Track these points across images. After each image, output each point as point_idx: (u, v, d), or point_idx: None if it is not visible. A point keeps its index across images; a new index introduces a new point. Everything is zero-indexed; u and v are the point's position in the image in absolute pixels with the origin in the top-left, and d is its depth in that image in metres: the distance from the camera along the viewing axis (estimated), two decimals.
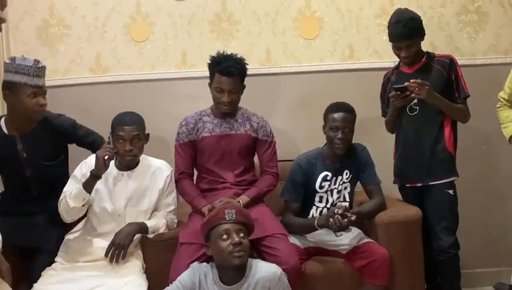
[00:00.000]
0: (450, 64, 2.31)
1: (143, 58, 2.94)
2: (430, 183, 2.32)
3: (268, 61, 2.94)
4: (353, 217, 2.04)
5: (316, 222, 2.17)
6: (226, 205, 2.00)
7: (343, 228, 2.04)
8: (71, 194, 2.05)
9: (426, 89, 2.20)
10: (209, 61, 2.32)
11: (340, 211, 2.04)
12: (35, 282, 1.96)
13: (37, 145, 2.18)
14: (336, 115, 2.25)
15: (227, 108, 2.28)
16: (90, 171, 2.06)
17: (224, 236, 1.77)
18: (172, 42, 2.95)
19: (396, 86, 2.28)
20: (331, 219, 2.04)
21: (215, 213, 1.86)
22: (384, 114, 2.53)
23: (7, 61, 2.10)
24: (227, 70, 2.22)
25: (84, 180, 2.10)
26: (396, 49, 2.34)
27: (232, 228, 1.78)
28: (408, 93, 2.25)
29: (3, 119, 2.17)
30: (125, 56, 2.94)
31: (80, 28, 2.92)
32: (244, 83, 2.36)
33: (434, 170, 2.31)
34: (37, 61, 2.10)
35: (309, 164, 2.31)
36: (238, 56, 2.30)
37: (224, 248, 1.76)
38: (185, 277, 1.83)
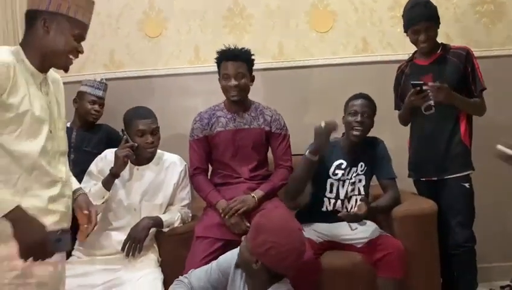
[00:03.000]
0: (466, 56, 2.28)
1: (156, 54, 2.96)
2: (445, 177, 2.30)
3: (281, 55, 2.93)
4: (362, 208, 2.06)
5: (306, 152, 2.11)
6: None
7: (355, 218, 2.06)
8: (90, 192, 2.08)
9: (444, 93, 2.17)
10: (215, 58, 2.33)
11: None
12: None
13: (87, 137, 2.57)
14: (356, 102, 2.27)
15: (235, 93, 2.26)
16: (110, 170, 2.09)
17: None
18: (185, 37, 2.96)
19: (414, 82, 2.23)
20: (341, 213, 2.05)
21: None
22: (397, 107, 2.51)
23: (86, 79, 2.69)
24: (232, 54, 2.26)
25: (99, 176, 2.13)
26: (415, 34, 2.29)
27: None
28: (428, 92, 2.21)
29: (69, 123, 2.57)
30: (139, 52, 2.97)
31: (93, 25, 2.87)
32: (257, 78, 2.36)
33: (449, 164, 2.29)
34: (101, 79, 2.66)
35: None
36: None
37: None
38: (223, 259, 1.83)
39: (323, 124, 2.04)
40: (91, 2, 1.55)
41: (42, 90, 1.50)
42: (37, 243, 1.36)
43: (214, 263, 1.84)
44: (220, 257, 1.86)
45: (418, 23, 2.26)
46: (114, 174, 2.10)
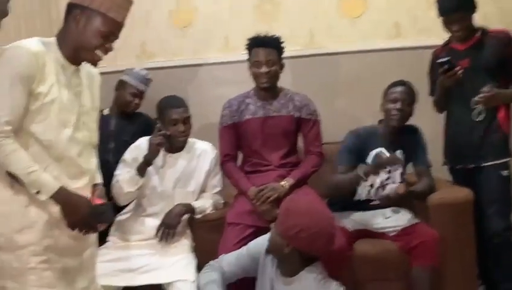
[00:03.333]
0: (506, 40, 2.19)
1: (186, 44, 2.98)
2: (482, 165, 2.23)
3: (312, 42, 2.89)
4: (401, 188, 2.05)
5: (363, 171, 2.10)
6: None
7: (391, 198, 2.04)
8: (125, 179, 2.13)
9: (494, 99, 2.13)
10: (246, 44, 2.33)
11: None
12: None
13: (127, 127, 2.59)
14: (396, 89, 2.23)
15: (265, 80, 2.26)
16: (144, 157, 2.13)
17: None
18: (214, 27, 2.96)
19: (441, 60, 2.17)
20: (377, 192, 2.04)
21: None
22: (431, 93, 2.45)
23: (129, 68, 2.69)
24: (262, 40, 2.26)
25: (134, 164, 2.18)
26: (447, 24, 2.23)
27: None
28: (456, 69, 2.14)
29: (107, 109, 2.64)
30: (169, 42, 2.99)
31: None
32: (287, 66, 2.34)
33: (487, 151, 2.22)
34: (146, 73, 2.64)
35: (366, 135, 2.27)
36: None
37: None
38: (254, 244, 1.87)
39: (387, 154, 2.09)
40: (128, 1, 1.53)
41: (72, 81, 1.51)
42: (84, 218, 1.44)
43: (244, 248, 1.87)
44: (250, 242, 1.89)
45: (450, 14, 2.19)
46: (147, 161, 2.14)
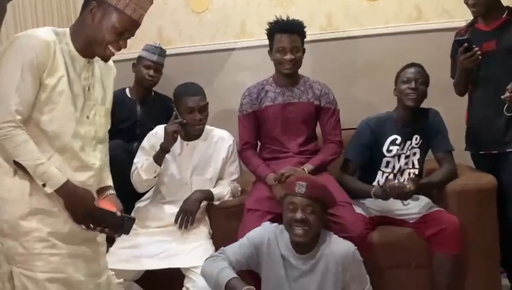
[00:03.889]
0: None
1: (203, 30, 2.97)
2: (506, 151, 2.17)
3: (330, 26, 2.84)
4: (411, 187, 2.01)
5: (372, 191, 2.13)
6: (299, 176, 1.96)
7: (403, 196, 2.01)
8: (143, 167, 2.14)
9: None
10: (267, 28, 2.29)
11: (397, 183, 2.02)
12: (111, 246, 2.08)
13: (151, 110, 2.62)
14: (409, 70, 2.22)
15: (289, 67, 2.24)
16: (160, 145, 2.13)
17: (291, 207, 1.75)
18: (231, 12, 2.93)
19: (459, 38, 2.12)
20: (389, 183, 2.02)
21: (288, 183, 1.85)
22: (453, 75, 2.38)
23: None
24: (287, 26, 2.22)
25: (152, 152, 2.18)
26: None
27: (300, 203, 1.73)
28: (475, 48, 2.07)
29: (128, 88, 2.68)
30: (186, 28, 2.98)
31: None
32: (305, 49, 2.31)
33: (511, 136, 2.15)
34: (157, 44, 2.65)
35: (379, 124, 2.25)
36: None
37: (287, 219, 1.76)
38: (253, 233, 1.86)
39: (396, 183, 2.06)
40: (148, 0, 1.49)
41: (82, 75, 1.50)
42: (86, 213, 1.45)
43: (245, 238, 1.84)
44: (249, 233, 1.86)
45: None
46: (164, 149, 2.14)
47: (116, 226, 1.53)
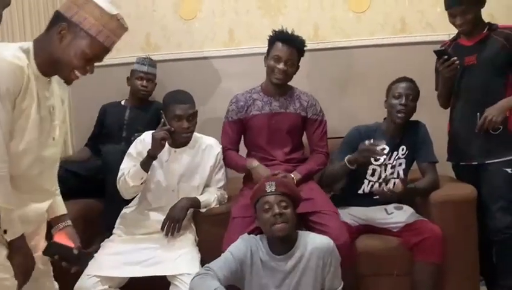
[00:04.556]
0: None
1: (191, 37, 2.98)
2: (486, 162, 2.23)
3: (317, 36, 2.89)
4: (399, 186, 2.04)
5: (346, 159, 2.15)
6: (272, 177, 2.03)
7: (389, 196, 2.05)
8: (129, 173, 2.14)
9: (501, 115, 2.13)
10: (270, 34, 2.32)
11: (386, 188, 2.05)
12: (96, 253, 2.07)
13: (140, 115, 2.73)
14: (400, 84, 2.24)
15: (280, 77, 2.26)
16: (147, 151, 2.13)
17: (266, 207, 1.81)
18: (219, 20, 2.96)
19: (436, 50, 2.18)
20: (376, 186, 2.07)
21: (258, 187, 1.89)
22: (437, 88, 2.45)
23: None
24: (289, 38, 2.26)
25: (139, 158, 2.18)
26: (451, 17, 2.23)
27: (274, 200, 1.81)
28: (453, 59, 2.14)
29: (124, 100, 2.84)
30: (174, 35, 2.99)
31: (129, 7, 2.98)
32: (299, 66, 2.35)
33: (491, 148, 2.21)
34: (147, 55, 2.83)
35: (368, 133, 2.28)
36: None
37: (266, 219, 1.80)
38: (236, 249, 1.86)
39: (366, 142, 2.07)
40: (123, 28, 1.41)
41: (45, 94, 1.40)
42: (29, 272, 1.38)
43: (228, 253, 1.85)
44: (231, 246, 1.87)
45: (453, 7, 2.19)
46: (151, 156, 2.13)
47: (73, 261, 1.51)
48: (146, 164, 2.13)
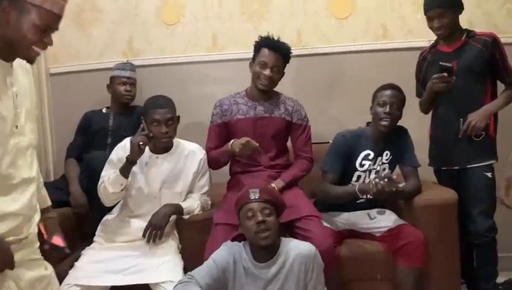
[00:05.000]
0: (492, 42, 2.22)
1: (174, 42, 2.96)
2: (467, 167, 2.27)
3: (300, 42, 2.90)
4: (400, 185, 1.99)
5: (357, 187, 2.11)
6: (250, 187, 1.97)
7: (384, 193, 2.00)
8: (109, 179, 2.11)
9: (484, 120, 2.19)
10: (257, 40, 2.32)
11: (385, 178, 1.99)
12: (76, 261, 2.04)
13: (124, 121, 2.69)
14: (385, 92, 2.23)
15: (265, 83, 2.26)
16: (126, 157, 2.10)
17: (249, 214, 1.80)
18: (203, 25, 2.95)
19: (444, 64, 2.18)
20: (374, 181, 1.98)
21: (241, 194, 1.88)
22: (419, 94, 2.48)
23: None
24: (275, 44, 2.26)
25: (119, 164, 2.15)
26: (429, 21, 2.27)
27: (257, 208, 1.80)
28: (453, 78, 2.18)
29: (105, 108, 2.78)
30: (157, 39, 2.97)
31: (112, 12, 2.95)
32: (285, 73, 2.35)
33: (472, 153, 2.25)
34: (126, 60, 2.81)
35: (354, 138, 2.28)
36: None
37: (249, 227, 1.79)
38: (219, 256, 1.84)
39: (383, 185, 1.98)
40: None
41: (7, 81, 1.32)
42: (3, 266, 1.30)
43: (210, 260, 1.83)
44: (214, 254, 1.86)
45: (430, 10, 2.24)
46: (130, 161, 2.10)
47: (57, 259, 1.53)
48: (125, 169, 2.11)
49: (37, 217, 1.44)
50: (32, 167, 1.40)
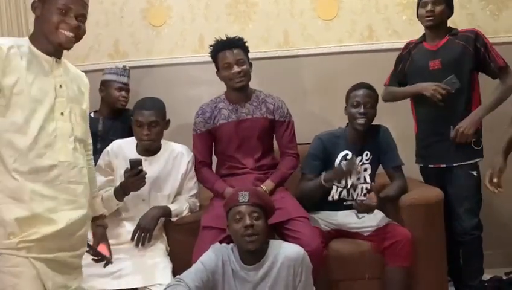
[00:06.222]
0: (475, 38, 2.25)
1: (161, 43, 2.95)
2: (454, 165, 2.29)
3: (286, 43, 2.91)
4: (381, 194, 2.07)
5: (322, 178, 2.17)
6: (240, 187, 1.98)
7: (371, 208, 2.08)
8: (103, 199, 2.06)
9: (473, 127, 2.22)
10: (208, 53, 2.32)
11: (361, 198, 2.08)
12: None
13: (113, 125, 2.63)
14: (358, 92, 2.25)
15: (240, 80, 2.24)
16: (121, 184, 2.07)
17: (238, 217, 1.79)
18: (189, 26, 2.94)
19: (451, 80, 2.22)
20: (354, 203, 2.04)
21: (230, 196, 1.88)
22: (389, 82, 2.51)
23: (106, 67, 2.74)
24: (227, 43, 2.25)
25: (107, 170, 2.16)
26: (422, 6, 2.28)
27: (245, 211, 1.78)
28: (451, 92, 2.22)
29: (93, 112, 2.67)
30: (143, 41, 2.95)
31: (97, 14, 2.93)
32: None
33: (458, 152, 2.28)
34: (123, 66, 2.69)
35: (331, 140, 2.30)
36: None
37: (237, 230, 1.78)
38: (207, 259, 1.84)
39: (343, 166, 2.11)
40: None
41: (53, 73, 1.51)
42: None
43: (199, 263, 1.82)
44: (203, 256, 1.85)
45: None
46: (126, 193, 2.10)
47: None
48: (119, 195, 2.10)
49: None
50: (77, 155, 1.54)
